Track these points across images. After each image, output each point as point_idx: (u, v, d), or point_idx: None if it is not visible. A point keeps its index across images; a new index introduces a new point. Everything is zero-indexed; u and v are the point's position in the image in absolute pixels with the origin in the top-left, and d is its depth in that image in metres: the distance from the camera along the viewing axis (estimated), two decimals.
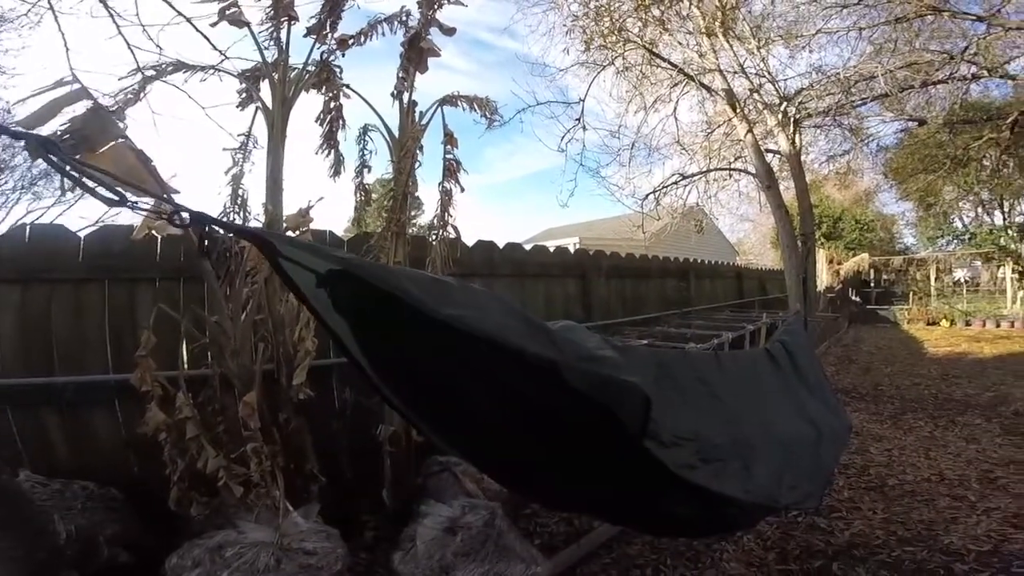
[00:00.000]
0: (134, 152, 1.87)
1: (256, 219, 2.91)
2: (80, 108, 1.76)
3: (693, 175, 9.39)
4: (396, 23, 3.01)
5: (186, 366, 2.65)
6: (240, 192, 3.03)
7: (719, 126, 9.49)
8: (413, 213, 5.43)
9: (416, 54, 2.93)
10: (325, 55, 2.90)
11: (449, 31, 3.02)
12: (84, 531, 2.04)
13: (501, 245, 4.75)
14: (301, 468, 2.54)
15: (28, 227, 2.71)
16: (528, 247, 5.27)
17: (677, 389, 1.62)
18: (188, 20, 2.76)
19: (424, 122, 3.05)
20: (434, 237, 3.28)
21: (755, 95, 8.23)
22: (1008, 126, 9.89)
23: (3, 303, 2.62)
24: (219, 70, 2.73)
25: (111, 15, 2.96)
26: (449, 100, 3.17)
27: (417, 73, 2.97)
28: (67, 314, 2.73)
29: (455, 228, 3.31)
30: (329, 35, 2.84)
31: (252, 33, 2.55)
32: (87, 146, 1.67)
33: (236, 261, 2.59)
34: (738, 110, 7.92)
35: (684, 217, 10.34)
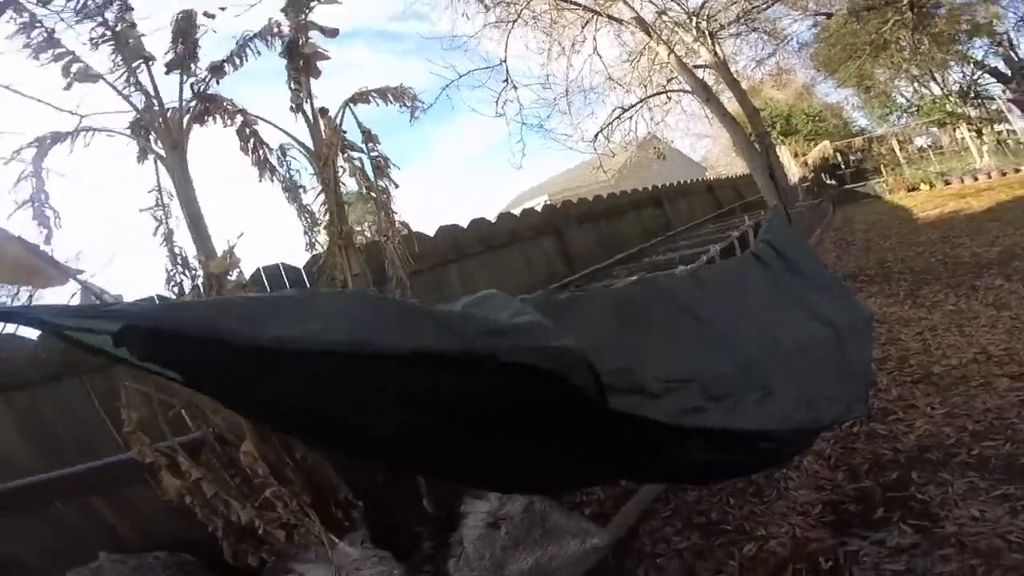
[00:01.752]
0: (16, 243, 1.79)
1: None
2: None
3: (632, 106, 9.33)
4: (269, 37, 2.88)
5: (174, 434, 2.63)
6: (176, 251, 2.95)
7: (641, 54, 9.39)
8: (371, 218, 5.32)
9: (301, 61, 2.80)
10: (198, 87, 2.78)
11: (331, 32, 2.89)
12: None
13: (465, 225, 4.69)
14: (334, 499, 2.52)
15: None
16: (494, 218, 5.21)
17: (655, 327, 1.48)
18: (37, 98, 2.58)
19: (337, 126, 2.92)
20: (385, 238, 3.17)
21: (663, 16, 8.19)
22: (907, 6, 9.96)
23: (5, 415, 2.61)
24: (96, 130, 2.61)
25: None
26: (358, 98, 3.04)
27: (312, 80, 2.86)
28: (62, 412, 2.71)
29: (404, 224, 3.21)
30: (192, 66, 2.72)
31: (111, 84, 2.45)
32: None
33: None
34: (653, 35, 7.87)
35: (641, 148, 10.30)
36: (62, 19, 2.41)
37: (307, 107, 2.87)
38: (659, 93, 9.45)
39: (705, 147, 24.45)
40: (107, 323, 0.85)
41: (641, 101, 9.40)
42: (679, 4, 8.43)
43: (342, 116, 2.98)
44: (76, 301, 2.33)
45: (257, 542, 2.30)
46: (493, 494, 2.44)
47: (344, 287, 2.84)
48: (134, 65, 2.54)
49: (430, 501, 2.82)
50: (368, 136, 3.03)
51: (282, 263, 3.43)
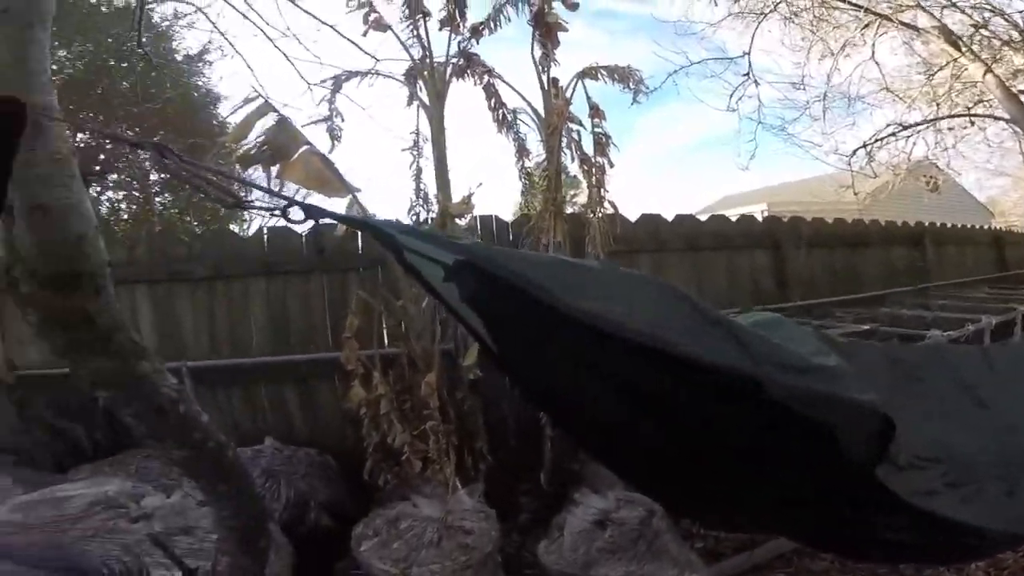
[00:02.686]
0: (318, 156, 2.13)
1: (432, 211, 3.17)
2: (269, 121, 2.06)
3: (917, 124, 7.53)
4: (520, 3, 3.05)
5: (386, 342, 3.00)
6: (422, 187, 3.30)
7: (940, 68, 7.43)
8: (573, 192, 5.35)
9: (545, 30, 2.89)
10: (462, 44, 3.04)
11: (572, 5, 2.99)
12: (301, 496, 2.43)
13: (669, 218, 4.37)
14: (472, 447, 2.68)
15: (265, 229, 3.41)
16: (703, 217, 4.76)
17: (924, 396, 1.30)
18: (347, 37, 3.16)
19: (568, 96, 3.03)
20: (591, 214, 3.19)
21: (981, 31, 6.31)
22: None
23: (254, 294, 3.30)
24: (380, 74, 3.02)
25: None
26: (588, 73, 3.09)
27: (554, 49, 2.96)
28: (298, 301, 3.32)
29: (612, 203, 3.23)
30: (461, 25, 2.97)
31: (396, 35, 2.81)
32: (281, 155, 1.97)
33: None
34: (963, 49, 6.13)
35: (911, 174, 8.36)
36: None
37: (543, 76, 3.01)
38: (960, 115, 7.52)
39: (999, 187, 18.86)
40: (446, 253, 0.91)
41: (930, 121, 7.60)
42: (1006, 18, 6.47)
43: (574, 89, 3.08)
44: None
45: (394, 464, 2.53)
46: (612, 492, 2.39)
47: (546, 252, 2.92)
48: (415, 18, 2.87)
49: (547, 478, 2.87)
50: (596, 112, 3.08)
51: (495, 216, 3.62)
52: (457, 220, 2.91)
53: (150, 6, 4.64)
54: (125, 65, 4.83)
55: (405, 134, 3.19)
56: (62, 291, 1.19)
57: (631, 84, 3.16)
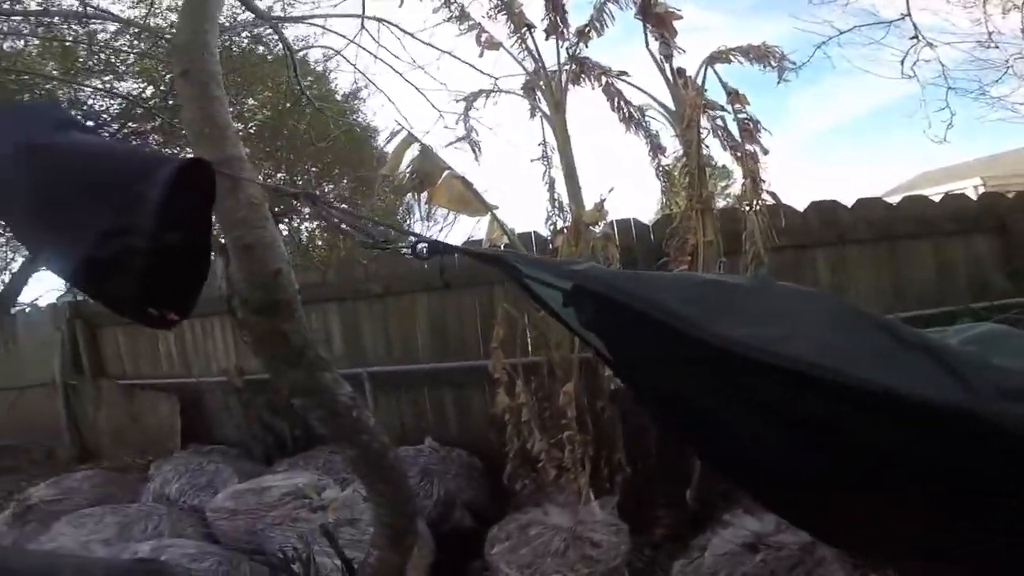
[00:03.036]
0: (458, 179, 2.27)
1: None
2: (415, 151, 2.25)
3: None
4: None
5: (529, 351, 3.08)
6: (556, 197, 3.32)
7: None
8: (724, 183, 4.89)
9: (656, 21, 2.70)
10: (571, 50, 2.99)
11: None
12: (449, 495, 2.61)
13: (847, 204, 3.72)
14: (609, 457, 2.61)
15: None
16: (893, 200, 3.96)
17: None
18: (465, 61, 3.35)
19: (700, 86, 2.80)
20: (747, 207, 2.87)
21: None
22: None
23: (419, 307, 3.66)
24: (501, 90, 3.13)
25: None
26: (718, 57, 2.84)
27: (668, 39, 2.76)
28: (455, 314, 3.59)
29: (772, 193, 2.86)
30: (565, 31, 2.92)
31: (508, 51, 2.88)
32: (428, 182, 2.15)
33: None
34: None
35: None
36: None
37: (666, 68, 2.82)
38: None
39: None
40: (561, 279, 0.88)
41: None
42: None
43: (704, 76, 2.85)
44: (483, 231, 2.96)
45: (531, 471, 2.57)
46: (770, 515, 2.10)
47: (694, 253, 2.75)
48: (521, 33, 2.93)
49: (693, 494, 2.66)
50: (735, 97, 2.82)
51: (634, 219, 3.48)
52: (592, 228, 2.86)
53: (300, 53, 5.49)
54: (298, 107, 5.77)
55: (529, 147, 3.30)
56: (265, 316, 1.46)
57: (772, 63, 2.86)
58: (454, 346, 3.55)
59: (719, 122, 2.91)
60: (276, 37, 4.89)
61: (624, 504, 2.41)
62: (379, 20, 3.67)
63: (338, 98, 7.79)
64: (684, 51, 2.81)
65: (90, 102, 6.27)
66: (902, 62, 6.34)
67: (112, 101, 6.29)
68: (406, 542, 1.57)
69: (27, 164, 1.01)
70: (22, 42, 5.36)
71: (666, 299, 0.77)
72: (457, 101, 3.23)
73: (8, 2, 4.42)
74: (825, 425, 0.80)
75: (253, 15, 3.82)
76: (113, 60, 5.84)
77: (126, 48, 5.74)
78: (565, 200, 3.15)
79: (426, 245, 0.90)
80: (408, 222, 9.63)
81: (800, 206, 3.58)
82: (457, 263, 3.56)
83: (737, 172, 2.96)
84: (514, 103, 3.21)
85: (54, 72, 5.48)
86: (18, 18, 4.66)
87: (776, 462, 0.94)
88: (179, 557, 1.84)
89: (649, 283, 0.88)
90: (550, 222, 3.31)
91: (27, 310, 6.81)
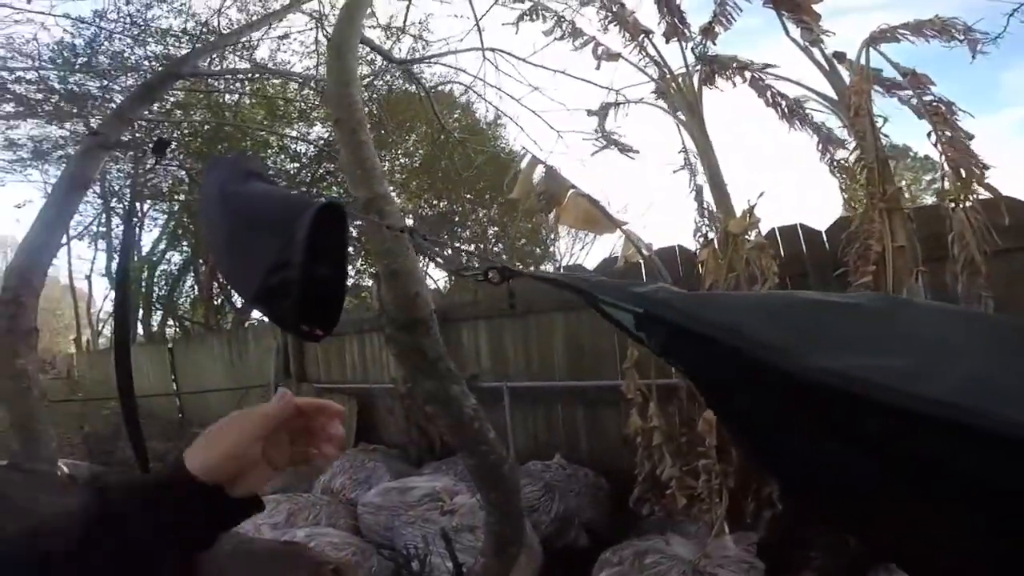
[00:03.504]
0: (585, 198, 2.26)
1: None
2: (541, 172, 2.29)
3: None
4: None
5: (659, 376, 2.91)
6: (704, 205, 3.10)
7: None
8: (928, 177, 4.06)
9: (792, 6, 2.43)
10: (697, 50, 2.83)
11: None
12: (568, 512, 2.54)
13: None
14: (758, 490, 2.30)
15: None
16: None
17: None
18: (581, 77, 3.26)
19: (866, 70, 2.44)
20: (953, 203, 2.37)
21: None
22: None
23: (557, 325, 3.70)
24: (628, 101, 3.00)
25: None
26: (880, 37, 2.47)
27: (813, 24, 2.46)
28: (590, 331, 3.55)
29: (988, 185, 2.31)
30: (686, 30, 2.76)
31: (628, 60, 2.79)
32: (555, 202, 2.17)
33: None
34: None
35: None
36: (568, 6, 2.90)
37: (819, 54, 2.54)
38: None
39: None
40: (631, 303, 0.84)
41: None
42: None
43: (867, 58, 2.49)
44: (620, 248, 2.90)
45: (659, 496, 2.43)
46: None
47: (880, 261, 2.37)
48: (639, 40, 2.82)
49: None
50: (914, 78, 2.43)
51: (800, 224, 3.06)
52: (743, 237, 2.59)
53: (444, 87, 5.94)
54: (448, 141, 6.27)
55: (658, 158, 3.15)
56: (407, 332, 1.64)
57: (956, 35, 2.43)
58: (589, 364, 3.51)
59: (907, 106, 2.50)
60: (422, 77, 5.42)
61: (766, 541, 2.15)
62: (495, 51, 3.81)
63: (483, 127, 8.36)
64: (833, 34, 2.51)
65: (292, 147, 7.71)
66: None
67: (307, 145, 7.61)
68: (511, 551, 1.59)
69: (221, 207, 1.26)
70: (237, 97, 6.80)
71: (748, 324, 0.63)
72: (590, 114, 3.23)
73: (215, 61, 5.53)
74: (967, 477, 0.59)
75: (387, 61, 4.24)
76: (303, 108, 7.11)
77: (311, 100, 6.92)
78: (713, 208, 2.94)
79: (496, 271, 0.93)
80: (553, 240, 9.83)
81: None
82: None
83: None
84: (637, 114, 3.13)
85: (264, 122, 6.83)
86: (229, 77, 5.89)
87: (905, 512, 0.72)
88: (324, 544, 2.08)
89: (728, 305, 0.74)
90: (699, 233, 3.08)
91: (256, 323, 8.47)
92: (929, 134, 2.54)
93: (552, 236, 9.98)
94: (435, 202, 8.98)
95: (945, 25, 2.48)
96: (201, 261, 10.06)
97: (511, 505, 1.61)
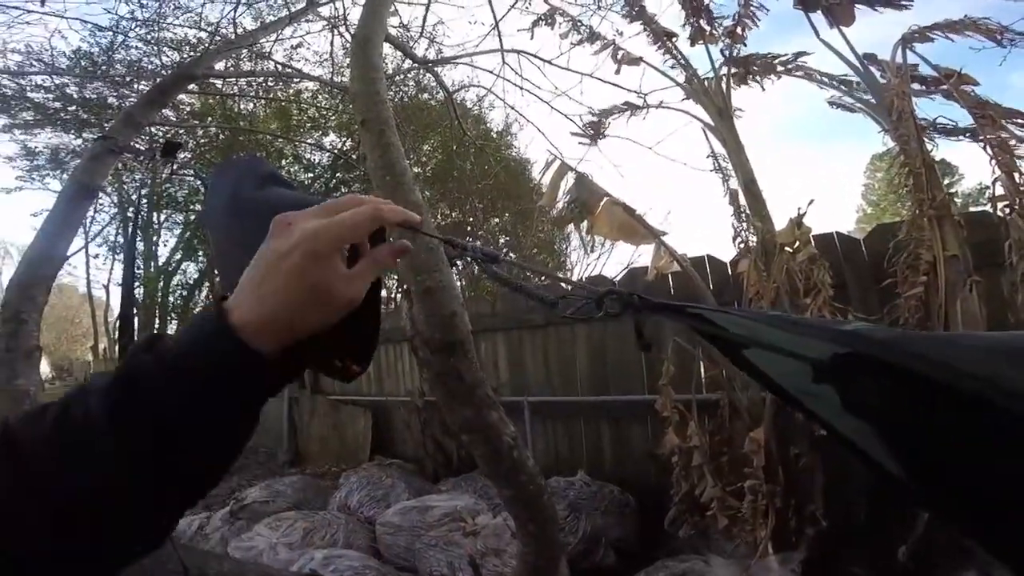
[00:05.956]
0: (619, 206, 2.14)
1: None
2: (571, 179, 2.18)
3: None
4: None
5: (704, 388, 2.76)
6: (742, 210, 2.96)
7: None
8: (946, 182, 3.90)
9: (825, 8, 2.35)
10: (724, 52, 2.71)
11: None
12: (596, 531, 2.41)
13: None
14: (801, 509, 2.17)
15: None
16: None
17: None
18: (606, 80, 3.13)
19: (905, 70, 2.36)
20: (1006, 210, 2.24)
21: None
22: None
23: (579, 338, 3.57)
24: (650, 106, 2.90)
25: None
26: (911, 38, 2.41)
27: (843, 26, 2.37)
28: (617, 345, 3.41)
29: None
30: (712, 32, 2.66)
31: (651, 65, 2.71)
32: (587, 211, 2.06)
33: None
34: None
35: None
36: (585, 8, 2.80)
37: (850, 56, 2.45)
38: None
39: None
40: (815, 343, 0.52)
41: None
42: None
43: (904, 59, 2.42)
44: (645, 258, 2.76)
45: (699, 516, 2.32)
46: None
47: (931, 272, 2.25)
48: (664, 42, 2.73)
49: (909, 551, 2.13)
50: (958, 78, 2.35)
51: (836, 233, 2.90)
52: (787, 248, 2.45)
53: (458, 95, 5.87)
54: (463, 148, 6.20)
55: (681, 164, 3.01)
56: (443, 355, 1.52)
57: (996, 35, 2.37)
58: (613, 378, 3.37)
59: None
60: (435, 83, 5.34)
61: (811, 561, 2.04)
62: (518, 52, 3.72)
63: (494, 135, 8.31)
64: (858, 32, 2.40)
65: (306, 156, 7.69)
66: None
67: (322, 154, 7.58)
68: None
69: (231, 213, 1.14)
70: (251, 105, 6.79)
71: (1008, 376, 0.46)
72: (596, 115, 3.12)
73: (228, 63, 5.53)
74: None
75: (411, 61, 4.17)
76: (317, 116, 7.08)
77: (326, 107, 6.89)
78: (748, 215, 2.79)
79: (615, 298, 0.54)
80: (566, 251, 9.68)
81: None
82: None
83: (964, 168, 2.34)
84: (661, 119, 3.03)
85: (277, 130, 6.81)
86: (244, 83, 5.84)
87: None
88: (344, 568, 1.97)
89: (966, 345, 0.55)
90: (739, 240, 2.95)
91: None
92: (978, 136, 2.42)
93: (565, 246, 9.83)
94: (448, 212, 8.91)
95: (974, 24, 2.38)
96: (216, 272, 10.07)
97: (548, 536, 1.49)
